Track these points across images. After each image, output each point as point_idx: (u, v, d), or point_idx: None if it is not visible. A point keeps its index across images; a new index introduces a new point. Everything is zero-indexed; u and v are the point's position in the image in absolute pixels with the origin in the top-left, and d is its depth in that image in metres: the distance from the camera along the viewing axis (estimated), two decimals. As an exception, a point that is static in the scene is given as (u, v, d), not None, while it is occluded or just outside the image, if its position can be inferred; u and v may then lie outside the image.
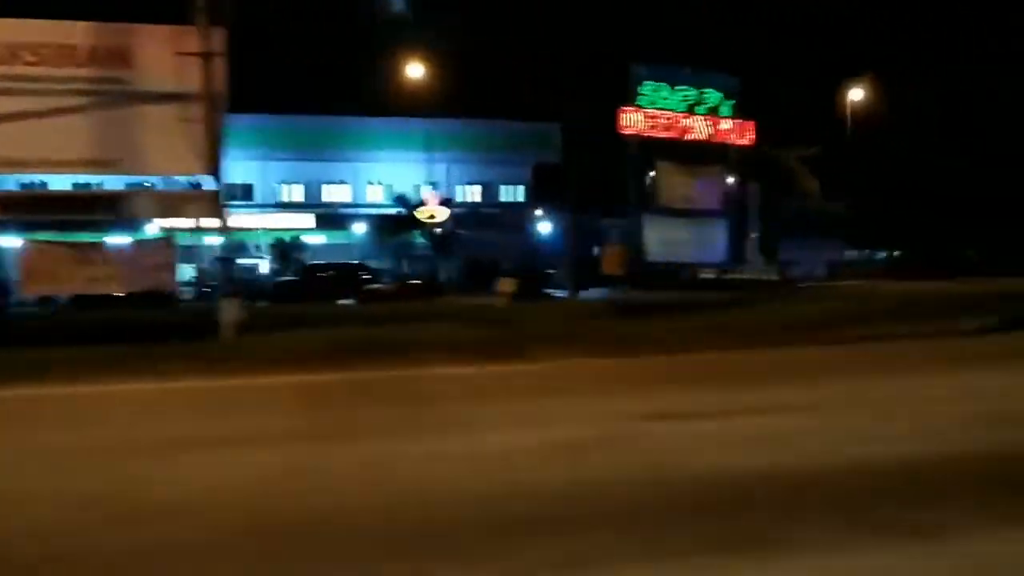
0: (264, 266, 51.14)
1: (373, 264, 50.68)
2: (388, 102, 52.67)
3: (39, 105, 18.85)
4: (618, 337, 14.98)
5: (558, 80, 40.60)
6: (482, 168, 58.73)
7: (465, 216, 52.93)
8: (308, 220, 53.67)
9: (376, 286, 35.60)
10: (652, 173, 34.16)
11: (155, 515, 5.54)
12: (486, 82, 54.64)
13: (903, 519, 5.18)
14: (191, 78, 19.25)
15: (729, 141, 35.78)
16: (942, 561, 4.66)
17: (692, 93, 34.00)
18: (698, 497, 5.74)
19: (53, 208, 22.25)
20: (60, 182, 30.54)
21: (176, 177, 24.82)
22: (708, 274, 51.14)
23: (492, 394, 10.26)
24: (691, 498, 5.74)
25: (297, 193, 56.81)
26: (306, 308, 27.22)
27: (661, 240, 32.47)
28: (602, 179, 38.89)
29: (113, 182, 28.07)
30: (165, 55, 19.17)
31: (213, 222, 20.27)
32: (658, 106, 33.18)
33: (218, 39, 19.60)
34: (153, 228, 51.69)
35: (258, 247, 52.50)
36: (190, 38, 19.15)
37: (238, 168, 54.60)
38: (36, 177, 32.83)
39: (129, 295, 24.58)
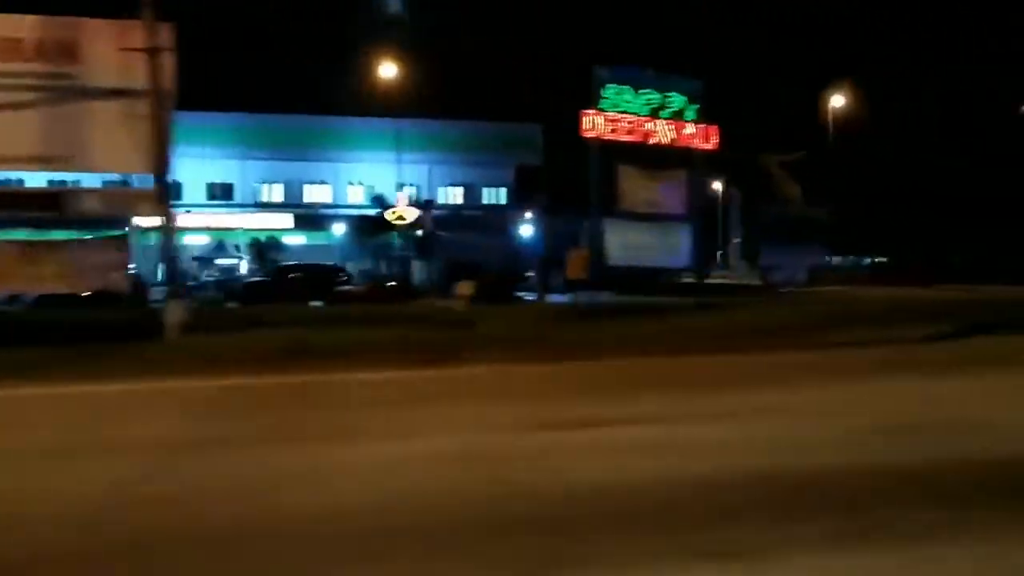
0: (244, 266, 50.81)
1: (353, 265, 50.43)
2: (370, 102, 52.46)
3: (-15, 100, 18.57)
4: (561, 342, 14.68)
5: (539, 81, 40.36)
6: (464, 169, 58.46)
7: (447, 218, 52.63)
8: (287, 220, 53.36)
9: (347, 288, 35.20)
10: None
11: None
12: (469, 83, 54.47)
13: (692, 540, 4.87)
14: (139, 74, 18.88)
15: (693, 145, 35.44)
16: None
17: (656, 97, 33.71)
18: (530, 512, 5.45)
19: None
20: (37, 180, 30.33)
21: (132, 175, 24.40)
22: (689, 278, 51.05)
23: (403, 400, 9.97)
24: (521, 514, 5.44)
25: (277, 193, 56.47)
26: (266, 310, 26.81)
27: (623, 244, 32.17)
28: (582, 181, 38.61)
29: (91, 179, 27.84)
30: (112, 50, 18.84)
31: (156, 220, 19.75)
32: (621, 109, 32.89)
33: (166, 35, 19.25)
34: (128, 228, 51.48)
35: (238, 247, 52.19)
36: (138, 33, 18.80)
37: (218, 167, 54.43)
38: (13, 174, 32.56)
39: (93, 294, 24.42)
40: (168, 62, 19.48)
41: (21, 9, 19.39)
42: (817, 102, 53.45)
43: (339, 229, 52.93)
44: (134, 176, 25.55)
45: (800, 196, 55.33)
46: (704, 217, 45.07)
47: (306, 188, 56.63)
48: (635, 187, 32.47)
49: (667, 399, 9.63)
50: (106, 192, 24.14)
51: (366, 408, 9.53)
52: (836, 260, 73.02)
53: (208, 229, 52.76)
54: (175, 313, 17.91)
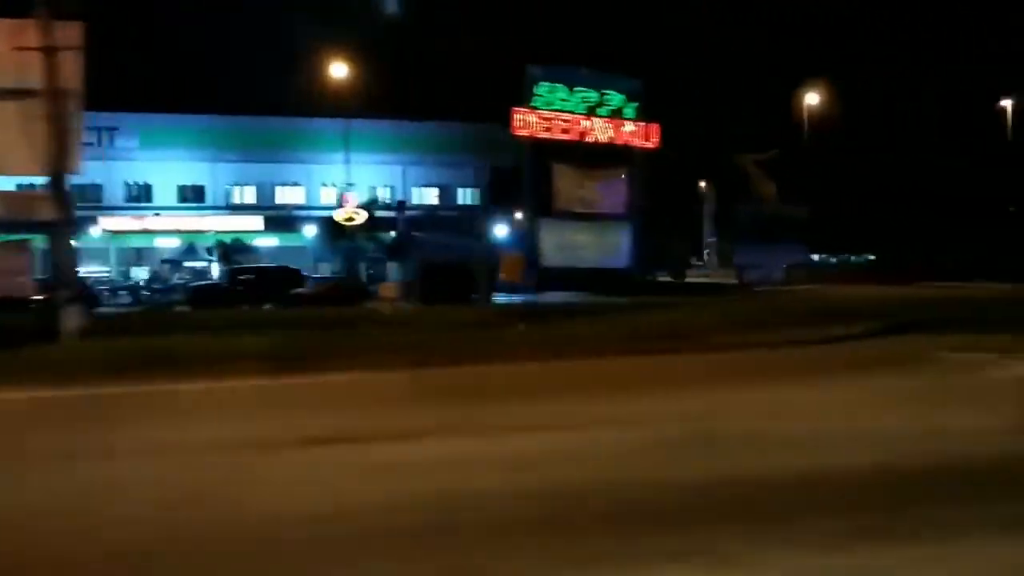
0: (216, 269, 50.46)
1: (326, 267, 50.06)
2: (343, 104, 52.09)
3: None
4: (441, 347, 14.14)
5: (510, 82, 39.83)
6: (439, 170, 58.00)
7: (421, 218, 52.18)
8: (257, 222, 53.01)
9: (300, 290, 34.75)
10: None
11: None
12: (443, 84, 54.08)
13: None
14: (39, 74, 18.39)
15: (632, 144, 34.86)
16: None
17: (592, 95, 33.16)
18: (226, 538, 5.01)
19: None
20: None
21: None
22: (665, 277, 50.66)
23: (194, 414, 9.50)
24: (214, 541, 5.01)
25: (250, 195, 56.09)
26: (194, 314, 26.58)
27: (558, 244, 31.61)
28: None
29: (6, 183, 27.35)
30: (7, 50, 18.32)
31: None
32: (555, 107, 32.34)
33: (72, 34, 18.77)
34: (96, 230, 51.22)
35: (209, 250, 51.85)
36: (44, 32, 18.32)
37: (188, 170, 54.11)
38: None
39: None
40: (72, 61, 18.95)
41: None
42: (791, 100, 52.95)
43: (310, 231, 52.56)
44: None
45: (775, 194, 54.85)
46: (680, 215, 44.64)
47: (278, 190, 56.27)
48: (571, 186, 31.92)
49: (487, 409, 9.17)
50: (4, 195, 23.60)
51: (164, 422, 9.06)
52: (817, 258, 72.68)
53: (178, 232, 52.47)
54: (71, 319, 17.48)
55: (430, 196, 58.11)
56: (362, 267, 48.83)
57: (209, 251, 51.54)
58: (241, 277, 35.26)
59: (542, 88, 32.06)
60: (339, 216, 37.95)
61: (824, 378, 11.06)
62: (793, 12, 58.21)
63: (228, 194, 55.60)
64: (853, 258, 75.75)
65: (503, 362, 12.71)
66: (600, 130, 33.55)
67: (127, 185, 53.60)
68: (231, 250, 46.90)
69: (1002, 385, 10.60)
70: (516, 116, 31.61)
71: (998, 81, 56.52)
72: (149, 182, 53.92)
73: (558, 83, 32.33)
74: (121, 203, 53.25)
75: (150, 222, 51.84)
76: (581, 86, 32.98)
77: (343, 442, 7.51)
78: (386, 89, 53.43)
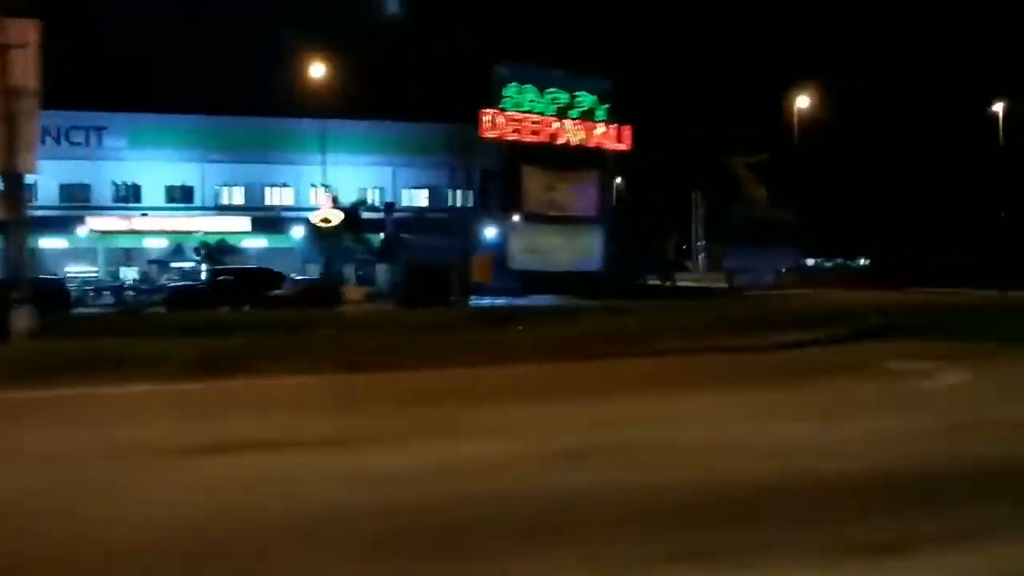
0: (204, 269, 50.30)
1: (315, 268, 49.79)
2: (332, 105, 51.93)
3: None
4: (375, 351, 13.92)
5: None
6: (429, 172, 57.72)
7: (410, 220, 51.94)
8: (245, 223, 52.82)
9: (278, 292, 34.53)
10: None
11: None
12: (434, 85, 53.85)
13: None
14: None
15: (604, 146, 34.58)
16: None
17: (563, 96, 32.91)
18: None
19: None
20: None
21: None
22: (655, 280, 50.40)
23: (113, 418, 9.32)
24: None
25: (238, 196, 55.90)
26: (163, 316, 26.46)
27: (527, 247, 31.34)
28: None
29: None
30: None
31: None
32: (525, 109, 32.08)
33: (26, 31, 18.63)
34: (83, 230, 51.13)
35: (197, 251, 51.65)
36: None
37: (177, 170, 53.99)
38: None
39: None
40: (27, 59, 18.83)
41: None
42: (782, 103, 52.67)
43: (298, 232, 52.34)
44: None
45: (766, 198, 54.59)
46: (670, 219, 44.29)
47: (267, 191, 56.07)
48: (540, 188, 31.64)
49: (389, 417, 8.96)
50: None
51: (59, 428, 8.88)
52: (813, 262, 72.41)
53: (165, 232, 52.35)
54: (21, 320, 17.36)
55: (420, 198, 57.82)
56: (351, 269, 48.63)
57: (197, 252, 51.37)
58: (220, 279, 35.06)
59: (511, 89, 31.81)
60: (314, 218, 37.78)
61: (746, 386, 10.84)
62: (783, 15, 57.97)
63: (217, 195, 55.44)
64: (846, 262, 75.62)
65: (435, 367, 12.52)
66: (571, 132, 33.28)
67: (115, 185, 53.47)
68: (216, 251, 46.74)
69: (925, 395, 10.38)
70: (484, 118, 31.35)
71: (993, 83, 56.26)
72: (137, 182, 53.79)
73: (527, 84, 32.08)
74: (109, 203, 53.13)
75: (137, 222, 51.72)
76: (552, 87, 32.71)
77: (231, 451, 7.33)
78: (377, 91, 53.38)
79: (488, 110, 31.40)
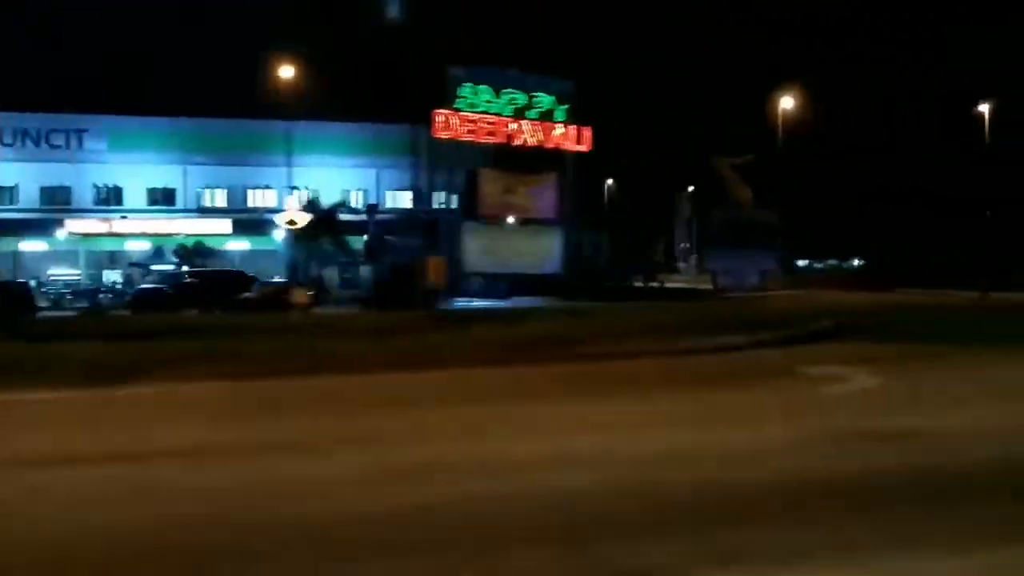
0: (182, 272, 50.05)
1: (298, 271, 49.46)
2: (316, 106, 51.74)
3: None
4: (274, 357, 13.51)
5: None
6: (414, 174, 57.33)
7: (394, 222, 51.61)
8: (226, 226, 52.54)
9: (247, 295, 34.26)
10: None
11: None
12: (419, 87, 53.50)
13: None
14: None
15: (564, 147, 34.13)
16: None
17: (520, 97, 32.50)
18: None
19: None
20: None
21: None
22: (639, 282, 50.09)
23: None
24: None
25: (220, 198, 55.66)
26: (115, 319, 26.16)
27: (482, 249, 30.98)
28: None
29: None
30: None
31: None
32: (480, 110, 31.67)
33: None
34: (62, 233, 50.94)
35: (176, 253, 51.47)
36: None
37: (159, 173, 53.83)
38: None
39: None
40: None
41: None
42: (766, 104, 52.25)
43: (280, 234, 52.03)
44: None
45: (752, 199, 54.17)
46: (654, 220, 43.80)
47: (250, 193, 55.80)
48: (497, 191, 31.27)
49: (240, 429, 8.61)
50: None
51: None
52: (804, 263, 71.99)
53: (145, 235, 52.13)
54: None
55: (404, 200, 57.49)
56: (333, 271, 48.29)
57: (175, 254, 51.16)
58: (186, 281, 34.80)
59: (465, 89, 31.47)
60: (280, 219, 37.50)
61: (638, 394, 10.47)
62: (769, 16, 57.65)
63: (199, 197, 55.21)
64: (840, 263, 75.10)
65: (332, 373, 12.14)
66: (529, 133, 32.86)
67: (96, 187, 53.29)
68: (193, 253, 46.48)
69: (823, 401, 9.98)
70: (438, 118, 31.01)
71: (988, 83, 55.82)
72: (119, 185, 53.61)
73: (482, 85, 31.68)
74: (90, 206, 52.96)
75: (117, 224, 51.50)
76: (508, 88, 32.33)
77: (62, 463, 7.00)
78: (359, 93, 53.10)
79: (442, 111, 30.99)
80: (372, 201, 53.20)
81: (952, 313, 27.65)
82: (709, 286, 48.33)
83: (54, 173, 51.79)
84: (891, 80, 64.02)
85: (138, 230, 51.64)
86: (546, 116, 33.41)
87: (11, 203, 51.58)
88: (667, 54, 66.85)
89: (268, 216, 54.23)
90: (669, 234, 59.85)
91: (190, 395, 10.87)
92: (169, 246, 51.84)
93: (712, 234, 53.46)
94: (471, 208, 31.42)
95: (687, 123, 55.31)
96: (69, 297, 42.88)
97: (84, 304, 39.71)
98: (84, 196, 53.15)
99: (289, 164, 46.74)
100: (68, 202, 52.72)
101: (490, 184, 31.56)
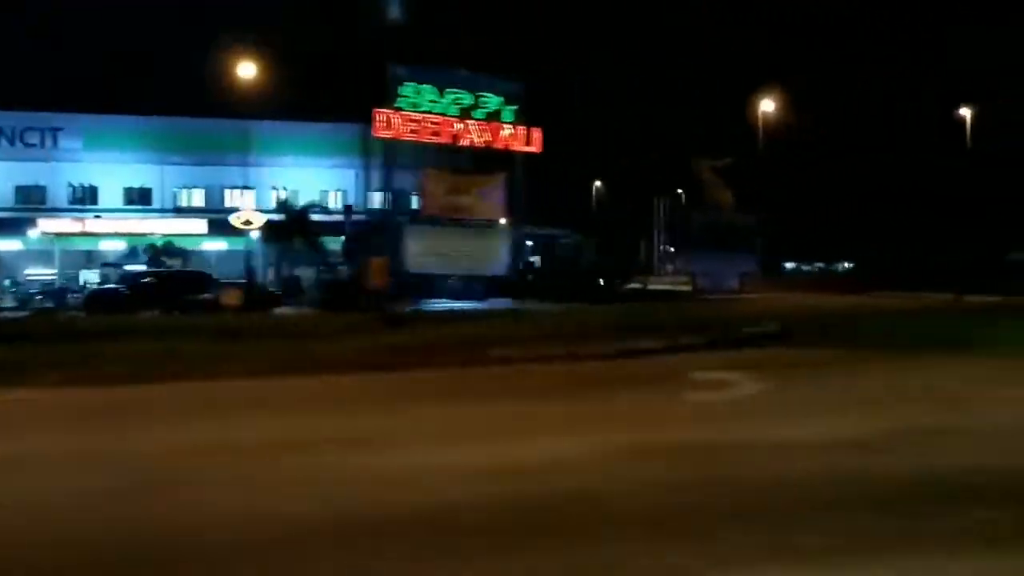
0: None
1: (275, 271, 49.08)
2: (293, 106, 51.45)
3: None
4: (155, 361, 13.11)
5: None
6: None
7: (374, 223, 51.11)
8: (201, 226, 52.09)
9: (206, 296, 33.76)
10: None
11: None
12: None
13: None
14: None
15: (512, 148, 33.59)
16: None
17: (467, 97, 32.00)
18: None
19: None
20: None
21: None
22: (622, 283, 49.57)
23: None
24: None
25: (198, 198, 55.25)
26: (52, 320, 25.77)
27: (425, 251, 30.53)
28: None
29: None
30: None
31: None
32: (423, 109, 31.16)
33: None
34: (35, 232, 50.58)
35: (145, 252, 51.00)
36: None
37: (135, 172, 53.48)
38: None
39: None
40: None
41: None
42: (746, 107, 51.87)
43: (256, 235, 51.66)
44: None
45: (732, 202, 53.77)
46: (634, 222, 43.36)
47: (227, 193, 55.33)
48: (441, 191, 30.83)
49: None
50: None
51: None
52: (791, 265, 71.57)
53: (120, 235, 51.74)
54: None
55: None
56: (310, 272, 47.83)
57: (144, 253, 50.69)
58: (143, 281, 34.36)
59: (407, 89, 31.01)
60: (235, 220, 37.06)
61: (494, 400, 10.09)
62: (761, 17, 57.24)
63: (176, 197, 54.84)
64: (828, 266, 74.61)
65: (192, 379, 11.70)
66: (476, 133, 32.38)
67: (71, 187, 52.94)
68: (162, 253, 46.10)
69: (678, 411, 9.55)
70: (377, 117, 30.52)
71: (978, 84, 55.46)
72: (95, 184, 53.24)
73: (426, 84, 31.21)
74: (65, 205, 52.59)
75: (91, 224, 51.08)
76: (454, 87, 31.84)
77: None
78: (341, 93, 52.70)
79: (382, 110, 30.52)
80: (349, 202, 52.75)
81: (917, 317, 27.08)
82: (685, 288, 47.96)
83: (29, 172, 51.46)
84: (880, 81, 63.67)
85: (112, 230, 51.19)
86: (494, 116, 32.92)
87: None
88: (666, 54, 66.73)
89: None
90: (649, 236, 59.38)
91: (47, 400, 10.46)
92: (143, 246, 51.47)
93: (692, 237, 53.05)
94: (416, 209, 30.94)
95: (681, 125, 54.93)
96: (39, 297, 42.55)
97: (50, 304, 39.38)
98: (59, 195, 52.79)
99: (252, 163, 46.32)
100: (43, 201, 52.36)
101: (435, 184, 31.10)
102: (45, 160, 51.85)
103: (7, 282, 47.50)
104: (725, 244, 51.14)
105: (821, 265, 76.31)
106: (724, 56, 60.62)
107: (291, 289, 40.98)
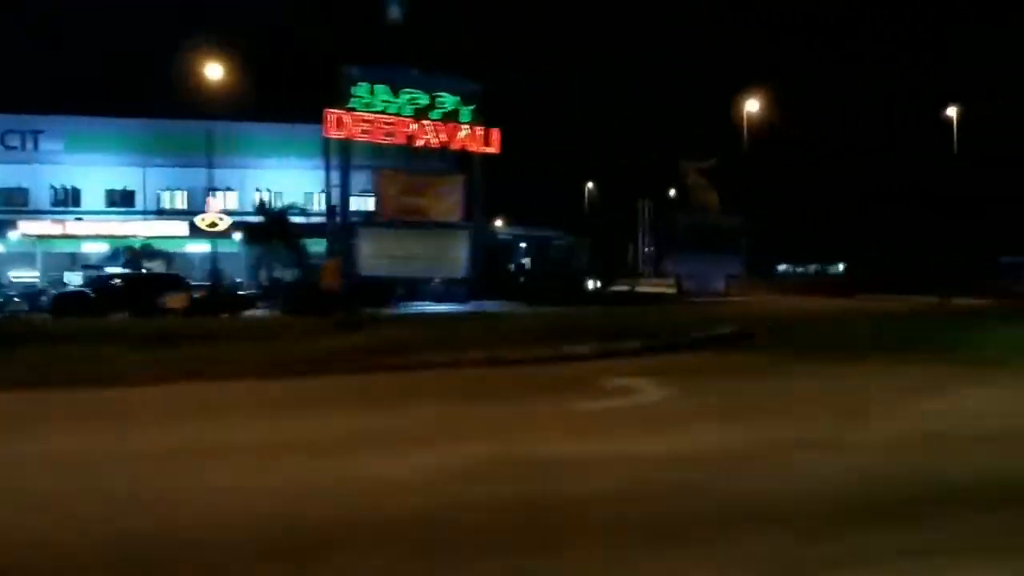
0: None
1: (263, 274, 48.74)
2: (279, 108, 51.14)
3: None
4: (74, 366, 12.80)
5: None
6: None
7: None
8: (183, 228, 51.86)
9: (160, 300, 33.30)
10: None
11: None
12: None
13: None
14: None
15: (470, 148, 33.11)
16: None
17: (422, 97, 31.55)
18: None
19: None
20: None
21: None
22: (604, 285, 49.33)
23: None
24: None
25: (181, 200, 54.99)
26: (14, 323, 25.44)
27: (379, 253, 30.12)
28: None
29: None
30: None
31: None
32: (377, 109, 30.74)
33: None
34: (15, 234, 50.41)
35: (123, 254, 50.76)
36: None
37: (118, 174, 53.29)
38: None
39: None
40: None
41: None
42: (731, 109, 51.50)
43: (238, 236, 51.40)
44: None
45: (718, 204, 53.54)
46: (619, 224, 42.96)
47: (210, 195, 55.01)
48: (396, 192, 30.43)
49: None
50: None
51: None
52: (784, 267, 71.12)
53: (101, 237, 51.54)
54: None
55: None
56: (291, 273, 47.45)
57: (122, 255, 50.45)
58: (111, 283, 34.03)
59: (361, 89, 30.63)
60: (200, 222, 36.74)
61: (394, 406, 9.76)
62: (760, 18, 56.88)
63: (159, 199, 54.63)
64: (823, 268, 74.07)
65: (114, 384, 11.37)
66: (432, 134, 31.92)
67: (53, 189, 52.78)
68: (141, 255, 45.84)
69: (556, 421, 9.13)
70: (329, 117, 30.14)
71: (976, 84, 55.04)
72: (77, 186, 53.08)
73: (379, 84, 30.78)
74: (47, 207, 52.43)
75: (71, 226, 50.93)
76: (408, 88, 31.40)
77: None
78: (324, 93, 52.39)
79: (333, 110, 30.12)
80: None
81: (898, 320, 26.65)
82: (670, 290, 47.68)
83: (10, 174, 51.33)
84: (875, 81, 63.25)
85: (95, 232, 51.03)
86: (451, 117, 32.46)
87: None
88: (663, 55, 66.35)
89: (230, 218, 53.64)
90: (634, 238, 59.11)
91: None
92: (124, 248, 51.27)
93: (677, 239, 52.81)
94: (372, 210, 30.56)
95: (675, 126, 54.62)
96: (16, 300, 42.29)
97: (24, 307, 39.11)
98: (41, 197, 52.65)
99: (236, 165, 45.96)
100: (26, 203, 52.24)
101: (391, 185, 30.70)
102: (27, 162, 51.74)
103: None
104: (711, 246, 50.95)
105: (815, 267, 75.78)
106: (720, 57, 60.25)
107: (272, 292, 40.62)
